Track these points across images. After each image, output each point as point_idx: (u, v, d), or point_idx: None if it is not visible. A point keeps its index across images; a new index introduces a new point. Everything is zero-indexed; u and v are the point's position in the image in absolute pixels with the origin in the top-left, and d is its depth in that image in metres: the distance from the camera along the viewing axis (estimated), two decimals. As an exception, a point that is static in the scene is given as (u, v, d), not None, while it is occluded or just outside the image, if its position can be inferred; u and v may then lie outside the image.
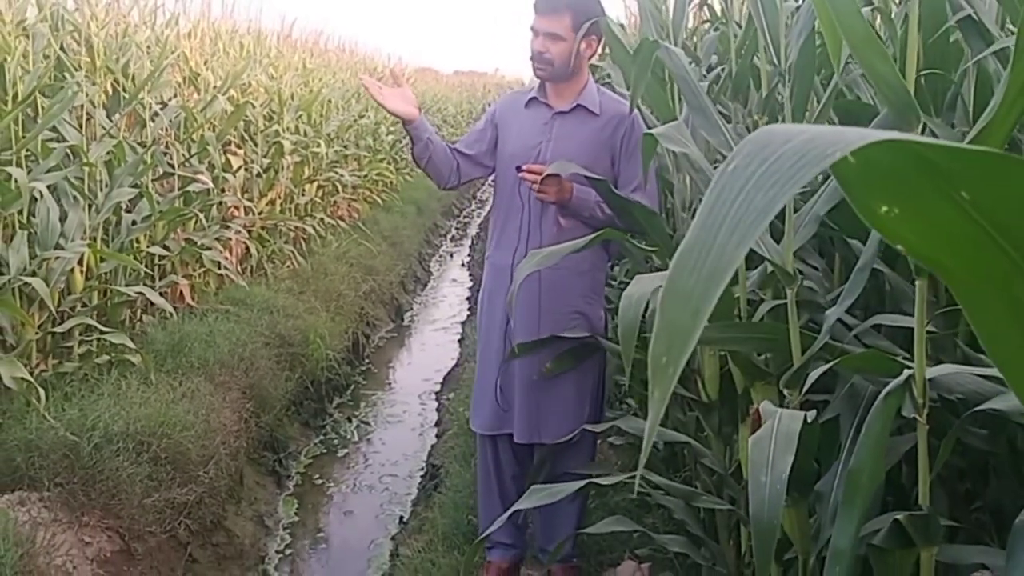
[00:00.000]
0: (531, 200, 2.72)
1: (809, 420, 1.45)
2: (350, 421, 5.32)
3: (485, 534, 2.14)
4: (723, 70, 3.08)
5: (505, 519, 2.79)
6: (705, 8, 3.93)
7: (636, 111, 2.71)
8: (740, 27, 3.05)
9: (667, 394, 0.41)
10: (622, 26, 4.15)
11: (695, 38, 3.79)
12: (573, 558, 2.87)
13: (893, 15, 1.97)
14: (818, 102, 2.07)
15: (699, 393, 2.44)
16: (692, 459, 2.77)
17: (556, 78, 2.73)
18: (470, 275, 9.49)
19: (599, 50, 2.94)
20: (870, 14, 2.08)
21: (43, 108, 3.93)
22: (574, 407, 2.77)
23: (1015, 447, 1.86)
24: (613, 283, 3.65)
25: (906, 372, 1.15)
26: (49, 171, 3.67)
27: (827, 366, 1.47)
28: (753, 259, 2.25)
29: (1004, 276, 0.43)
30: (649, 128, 2.66)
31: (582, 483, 1.89)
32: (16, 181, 3.08)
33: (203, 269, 5.36)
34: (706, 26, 3.92)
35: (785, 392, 1.75)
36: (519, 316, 2.72)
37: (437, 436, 5.00)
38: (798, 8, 1.95)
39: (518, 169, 2.65)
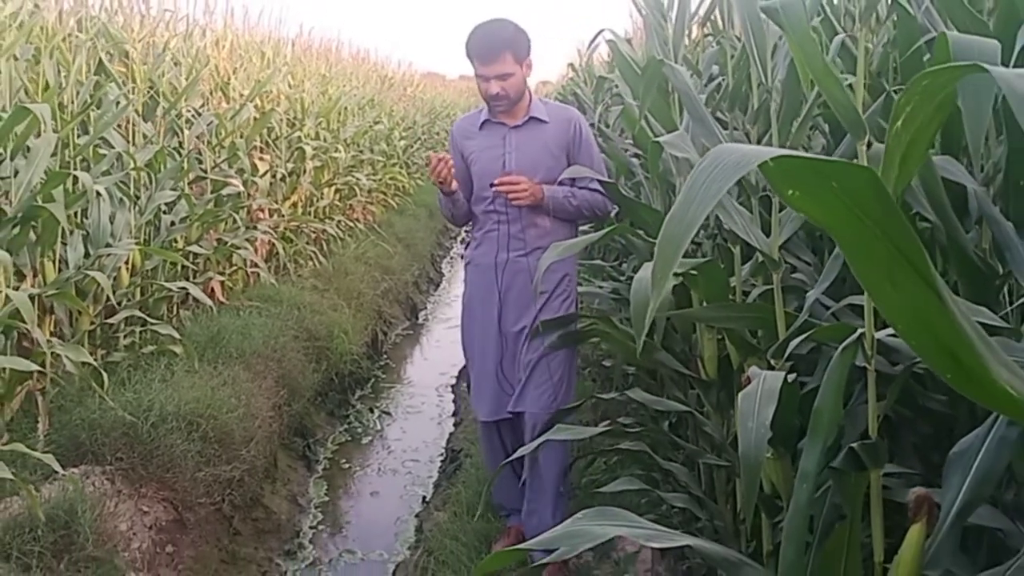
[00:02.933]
0: (506, 207, 3.02)
1: (789, 380, 1.75)
2: (372, 411, 5.63)
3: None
4: (722, 81, 3.37)
5: (512, 486, 3.09)
6: (708, 23, 4.22)
7: (580, 114, 3.15)
8: (739, 40, 3.33)
9: (660, 295, 0.70)
10: (628, 41, 4.46)
11: (698, 49, 4.07)
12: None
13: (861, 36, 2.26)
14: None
15: (700, 372, 2.73)
16: (695, 436, 3.05)
17: (512, 106, 3.00)
18: (481, 276, 9.77)
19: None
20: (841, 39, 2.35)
21: (93, 118, 4.25)
22: (557, 381, 3.06)
23: (974, 411, 2.14)
24: (621, 278, 3.94)
25: (859, 331, 1.44)
26: (101, 175, 3.98)
27: (804, 336, 1.77)
28: (747, 253, 2.54)
29: (866, 234, 0.72)
30: (655, 136, 2.96)
31: (607, 427, 2.16)
32: (82, 184, 3.39)
33: (233, 268, 5.68)
34: (709, 38, 4.21)
35: (772, 363, 2.04)
36: (517, 304, 3.06)
37: (455, 425, 5.30)
38: (784, 32, 2.24)
39: (492, 185, 2.97)
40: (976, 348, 0.71)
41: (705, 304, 2.30)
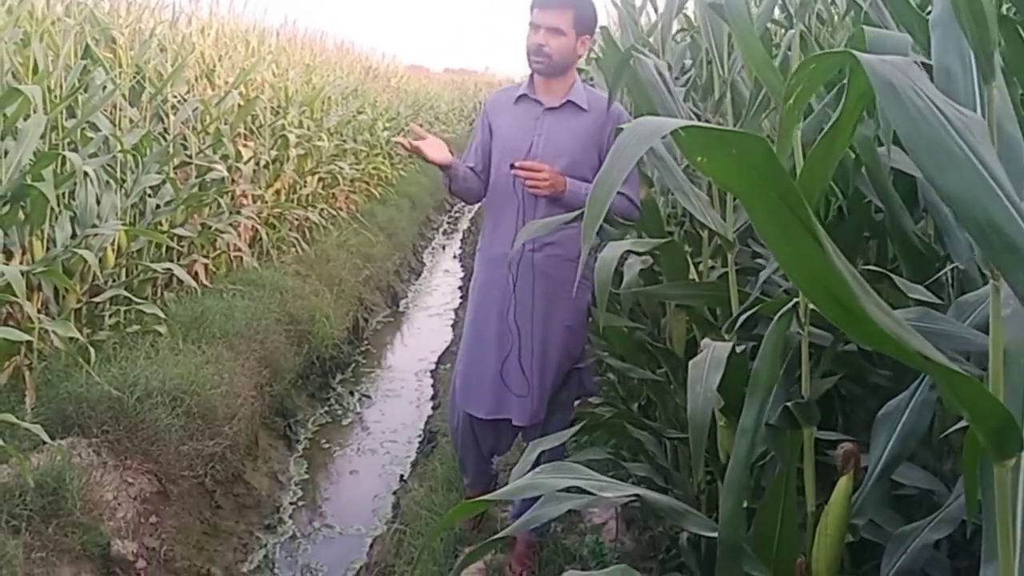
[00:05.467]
0: (524, 194, 2.84)
1: (737, 351, 1.88)
2: (352, 394, 5.74)
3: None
4: (692, 73, 3.50)
5: (483, 464, 3.11)
6: (681, 15, 4.36)
7: (622, 107, 3.01)
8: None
9: (590, 243, 0.83)
10: (605, 28, 4.57)
11: (673, 42, 4.20)
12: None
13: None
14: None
15: (669, 350, 2.86)
16: (662, 415, 3.19)
17: (551, 73, 2.82)
18: (461, 266, 9.92)
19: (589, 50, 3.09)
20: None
21: (81, 102, 4.34)
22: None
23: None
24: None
25: (794, 300, 1.58)
26: (88, 158, 4.07)
27: (752, 310, 1.90)
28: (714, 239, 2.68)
29: (762, 195, 0.85)
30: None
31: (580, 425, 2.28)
32: (70, 165, 3.48)
33: (217, 252, 5.78)
34: (684, 32, 4.35)
35: (726, 336, 2.18)
36: (519, 300, 2.88)
37: (433, 408, 5.43)
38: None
39: (512, 166, 2.77)
40: (855, 293, 0.84)
41: (668, 283, 2.44)
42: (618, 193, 2.87)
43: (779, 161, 0.79)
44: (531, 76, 2.92)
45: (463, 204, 15.63)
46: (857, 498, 1.59)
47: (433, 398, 5.66)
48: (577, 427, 2.27)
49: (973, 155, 0.75)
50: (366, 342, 6.89)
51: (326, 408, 5.46)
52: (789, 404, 1.59)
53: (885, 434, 1.61)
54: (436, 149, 2.86)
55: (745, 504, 1.90)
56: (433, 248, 11.49)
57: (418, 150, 2.80)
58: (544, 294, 2.90)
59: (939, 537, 1.61)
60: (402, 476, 4.47)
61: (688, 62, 3.65)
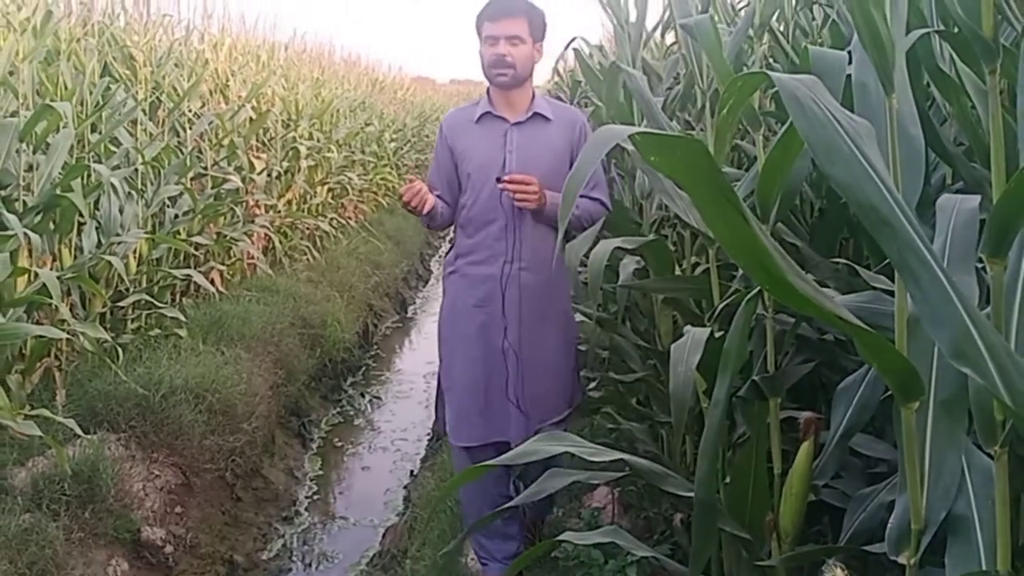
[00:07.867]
0: (512, 209, 2.77)
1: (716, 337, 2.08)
2: (363, 396, 5.96)
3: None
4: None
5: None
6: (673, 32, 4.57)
7: (578, 111, 3.02)
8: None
9: (564, 225, 1.04)
10: (601, 47, 4.80)
11: (667, 57, 4.42)
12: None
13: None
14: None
15: (657, 344, 3.06)
16: (656, 404, 3.38)
17: (515, 83, 2.78)
18: (468, 273, 10.13)
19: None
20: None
21: (104, 117, 4.57)
22: (567, 386, 3.04)
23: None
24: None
25: (758, 287, 1.78)
26: (112, 170, 4.30)
27: (729, 299, 2.10)
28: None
29: (703, 187, 1.05)
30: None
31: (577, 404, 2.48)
32: (95, 176, 3.71)
33: (232, 260, 6.00)
34: (676, 46, 4.57)
35: (707, 325, 2.37)
36: (510, 321, 2.82)
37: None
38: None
39: (499, 180, 2.71)
40: (778, 264, 1.04)
41: (655, 278, 2.64)
42: (591, 198, 3.03)
43: (713, 160, 0.99)
44: (487, 93, 2.89)
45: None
46: (818, 462, 1.78)
47: (441, 399, 5.86)
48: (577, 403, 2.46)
49: (858, 151, 0.95)
50: (376, 346, 7.10)
51: (338, 409, 5.67)
52: (756, 378, 1.79)
53: (843, 405, 1.81)
54: (424, 200, 2.78)
55: (727, 480, 2.10)
56: (440, 256, 11.72)
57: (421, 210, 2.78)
58: (531, 312, 2.85)
59: (893, 498, 1.81)
60: (412, 471, 4.67)
61: (682, 71, 3.86)
